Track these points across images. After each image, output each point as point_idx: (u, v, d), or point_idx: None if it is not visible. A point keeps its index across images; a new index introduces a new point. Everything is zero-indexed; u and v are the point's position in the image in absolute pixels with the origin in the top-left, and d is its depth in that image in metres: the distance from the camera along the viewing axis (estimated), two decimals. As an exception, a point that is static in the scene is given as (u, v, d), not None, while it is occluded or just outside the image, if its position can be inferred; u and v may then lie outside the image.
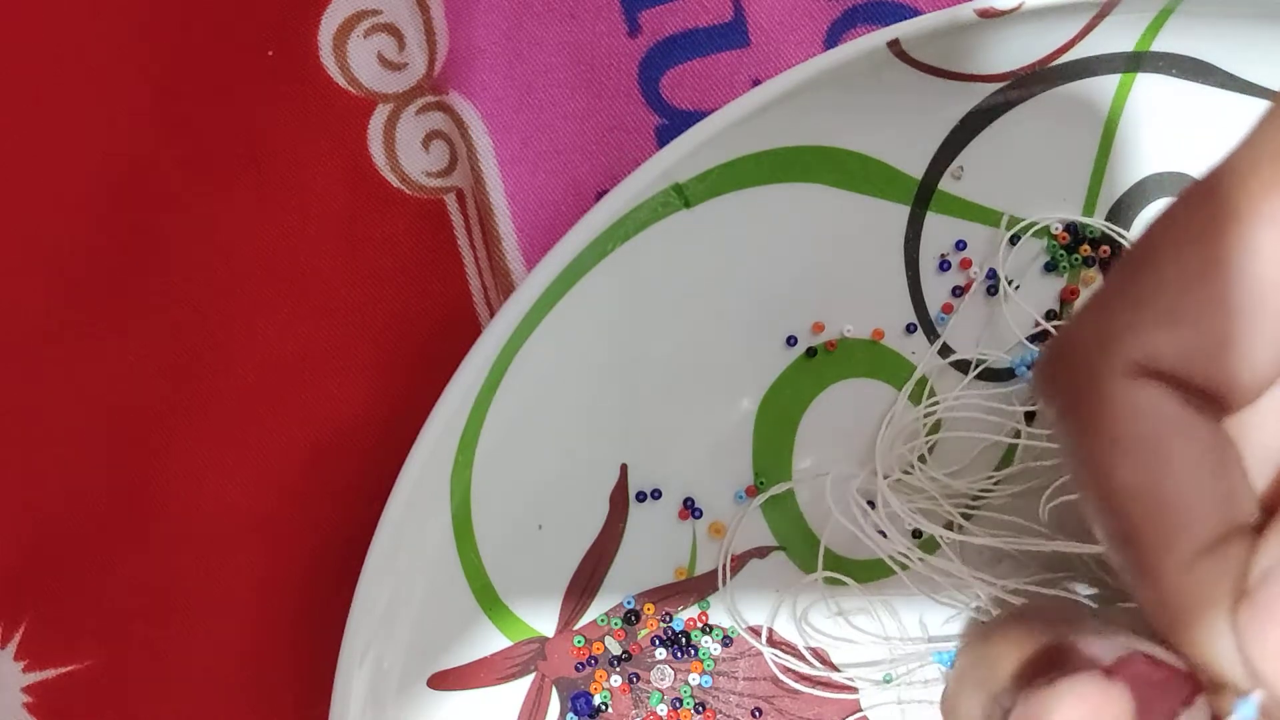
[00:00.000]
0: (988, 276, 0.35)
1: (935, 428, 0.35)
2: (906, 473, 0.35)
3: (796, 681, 0.36)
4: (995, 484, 0.35)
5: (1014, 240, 0.35)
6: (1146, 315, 0.19)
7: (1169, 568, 0.19)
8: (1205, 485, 0.19)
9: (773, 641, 0.36)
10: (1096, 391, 0.19)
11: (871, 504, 0.36)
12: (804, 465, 0.36)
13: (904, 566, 0.35)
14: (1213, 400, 0.19)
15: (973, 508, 0.35)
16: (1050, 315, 0.35)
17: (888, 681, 0.36)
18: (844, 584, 0.36)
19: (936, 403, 0.35)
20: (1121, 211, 0.35)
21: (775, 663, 0.36)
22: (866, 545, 0.36)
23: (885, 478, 0.35)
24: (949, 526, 0.35)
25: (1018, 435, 0.35)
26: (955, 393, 0.35)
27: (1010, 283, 0.35)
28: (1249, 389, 0.19)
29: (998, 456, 0.35)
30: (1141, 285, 0.19)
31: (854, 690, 0.36)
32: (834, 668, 0.36)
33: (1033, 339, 0.35)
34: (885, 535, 0.36)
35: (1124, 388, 0.19)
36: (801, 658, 0.36)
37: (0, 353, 0.36)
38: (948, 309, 0.35)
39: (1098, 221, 0.35)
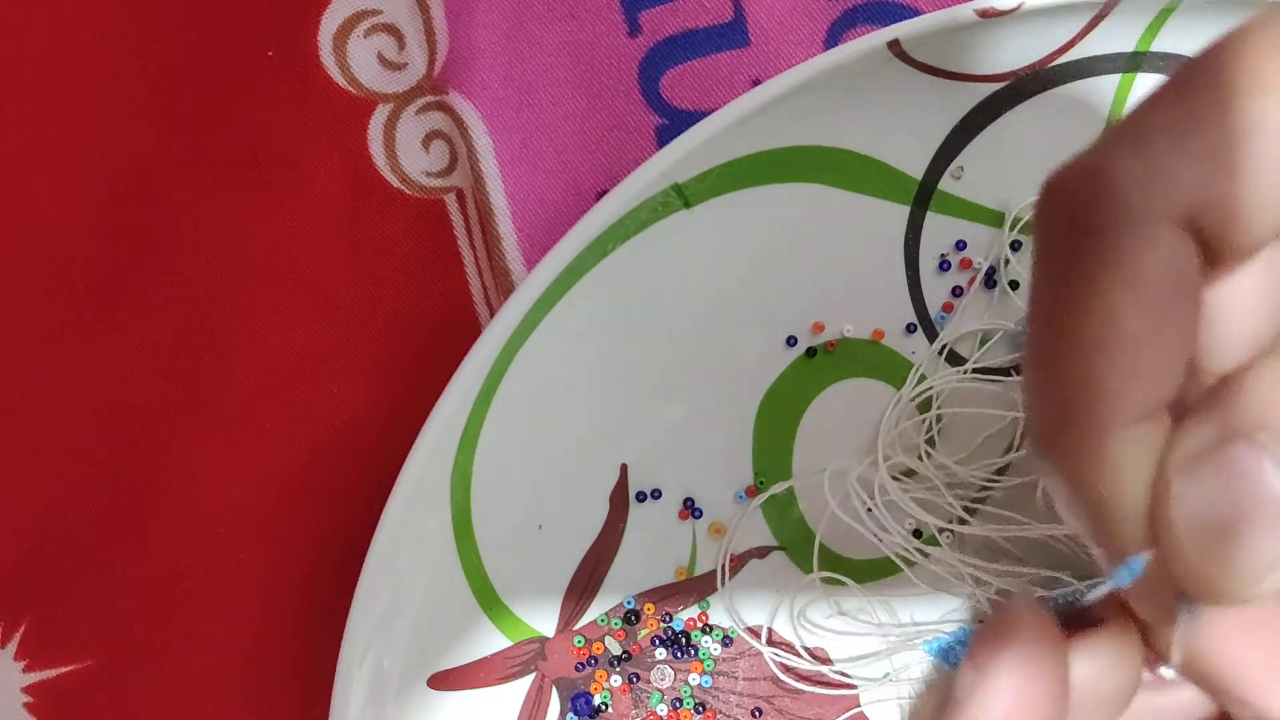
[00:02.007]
0: (988, 275, 0.35)
1: (936, 421, 0.35)
2: (908, 474, 0.35)
3: (796, 680, 0.36)
4: (997, 472, 0.35)
5: (1015, 246, 0.35)
6: (1206, 169, 0.17)
7: (1120, 422, 0.18)
8: (1186, 348, 0.18)
9: (772, 641, 0.36)
10: (1124, 229, 0.18)
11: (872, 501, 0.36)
12: (804, 465, 0.36)
13: (908, 562, 0.35)
14: (1218, 256, 0.18)
15: (974, 503, 0.35)
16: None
17: (886, 678, 0.36)
18: (843, 584, 0.36)
19: (930, 388, 0.35)
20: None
21: (775, 661, 0.36)
22: (865, 544, 0.36)
23: (886, 459, 0.35)
24: (949, 520, 0.35)
25: (1020, 431, 0.35)
26: (956, 375, 0.35)
27: (1012, 285, 0.35)
28: (1249, 248, 0.18)
29: (999, 450, 0.35)
30: (1196, 136, 0.17)
31: (853, 687, 0.36)
32: (832, 665, 0.36)
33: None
34: (886, 530, 0.36)
35: (1161, 233, 0.18)
36: (800, 657, 0.36)
37: (0, 353, 0.36)
38: (948, 308, 0.35)
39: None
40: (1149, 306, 0.18)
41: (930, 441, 0.35)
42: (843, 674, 0.36)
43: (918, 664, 0.36)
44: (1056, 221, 0.19)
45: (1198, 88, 0.18)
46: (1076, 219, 0.18)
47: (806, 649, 0.36)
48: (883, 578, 0.36)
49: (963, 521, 0.35)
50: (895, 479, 0.35)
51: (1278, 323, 0.19)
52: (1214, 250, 0.18)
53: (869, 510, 0.35)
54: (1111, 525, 0.18)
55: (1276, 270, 0.19)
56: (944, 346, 0.35)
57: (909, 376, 0.35)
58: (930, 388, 0.35)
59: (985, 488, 0.35)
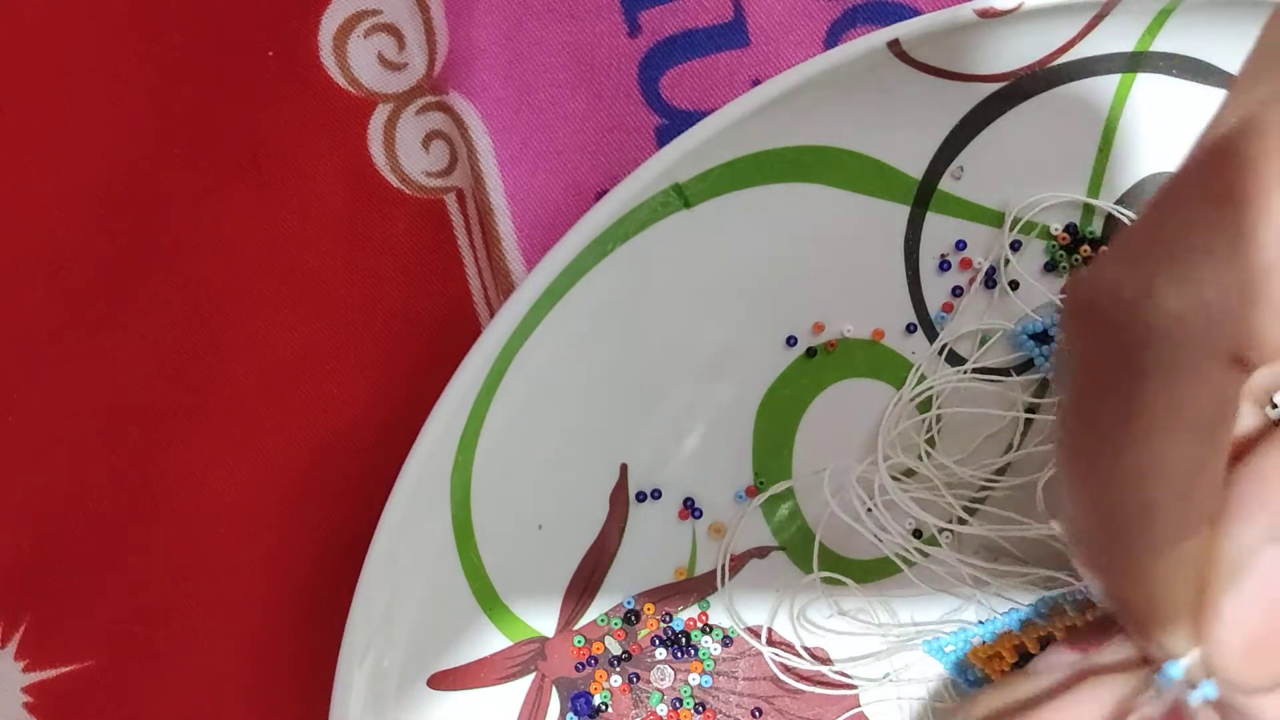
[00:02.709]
0: (988, 274, 0.35)
1: (936, 421, 0.35)
2: (908, 474, 0.35)
3: (796, 680, 0.36)
4: (996, 472, 0.35)
5: (1015, 246, 0.35)
6: (1251, 300, 0.17)
7: (1168, 542, 0.19)
8: (1222, 471, 0.19)
9: (772, 641, 0.36)
10: (1185, 370, 0.18)
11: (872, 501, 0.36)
12: (804, 465, 0.36)
13: (908, 562, 0.35)
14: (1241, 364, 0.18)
15: (973, 503, 0.35)
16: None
17: (886, 678, 0.36)
18: (843, 584, 0.36)
19: (930, 388, 0.35)
20: (1121, 211, 0.35)
21: (775, 661, 0.36)
22: (865, 545, 0.36)
23: (886, 459, 0.35)
24: (949, 520, 0.35)
25: (1022, 426, 0.35)
26: (955, 374, 0.35)
27: (1012, 285, 0.35)
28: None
29: (999, 450, 0.35)
30: (1237, 263, 0.17)
31: (853, 687, 0.36)
32: (832, 665, 0.36)
33: (1031, 337, 0.35)
34: (886, 531, 0.36)
35: (1218, 374, 0.18)
36: (800, 657, 0.36)
37: (1, 353, 0.36)
38: (948, 308, 0.35)
39: (1106, 204, 0.35)
40: (1199, 441, 0.18)
41: (930, 441, 0.35)
42: (843, 674, 0.36)
43: (917, 664, 0.36)
44: (1097, 350, 0.19)
45: (1230, 196, 0.17)
46: (1121, 354, 0.18)
47: (806, 649, 0.36)
48: (883, 578, 0.36)
49: (962, 521, 0.35)
50: (895, 479, 0.35)
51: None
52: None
53: (869, 510, 0.35)
54: (1157, 631, 0.19)
55: None
56: (944, 346, 0.35)
57: (909, 376, 0.35)
58: (930, 387, 0.35)
59: (985, 487, 0.35)
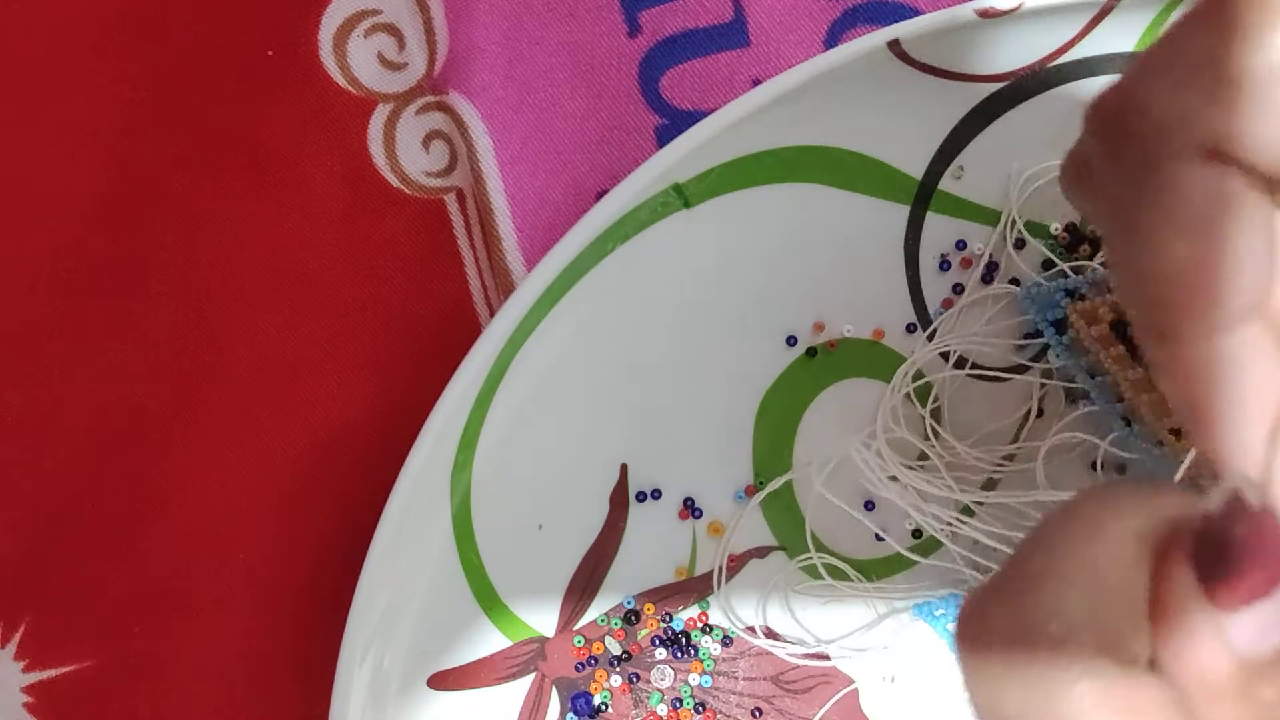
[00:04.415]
0: (987, 269, 0.35)
1: (936, 414, 0.35)
2: (910, 467, 0.35)
3: (799, 659, 0.36)
4: (1004, 457, 0.35)
5: (1021, 244, 0.35)
6: (1227, 99, 0.19)
7: (1195, 335, 0.19)
8: (1250, 261, 0.19)
9: (770, 635, 0.36)
10: (1165, 169, 0.19)
11: (871, 504, 0.36)
12: (804, 464, 0.36)
13: (922, 549, 0.35)
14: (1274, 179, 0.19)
15: (975, 503, 0.35)
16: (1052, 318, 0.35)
17: (883, 649, 0.36)
18: (839, 572, 0.36)
19: (926, 378, 0.35)
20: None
21: (773, 651, 0.36)
22: (864, 544, 0.36)
23: (887, 431, 0.35)
24: (952, 508, 0.35)
25: (1021, 422, 0.35)
26: (959, 346, 0.35)
27: (1013, 283, 0.35)
28: None
29: (1000, 446, 0.36)
30: (1219, 66, 0.19)
31: (851, 682, 0.36)
32: (828, 650, 0.36)
33: (1029, 336, 0.35)
34: (885, 531, 0.36)
35: (1193, 168, 0.19)
36: (789, 643, 0.36)
37: (1, 352, 0.36)
38: (947, 305, 0.35)
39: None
40: (1193, 238, 0.19)
41: (934, 431, 0.35)
42: (835, 647, 0.36)
43: (909, 629, 0.35)
44: (1102, 148, 0.21)
45: (1216, 16, 0.19)
46: (1115, 151, 0.20)
47: (798, 622, 0.36)
48: (882, 578, 0.36)
49: (967, 511, 0.35)
50: (904, 465, 0.35)
51: None
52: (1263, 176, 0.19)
53: (892, 479, 0.35)
54: (1214, 440, 0.20)
55: None
56: (933, 330, 0.35)
57: (916, 347, 0.35)
58: (925, 375, 0.35)
59: (988, 482, 0.35)
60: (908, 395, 0.35)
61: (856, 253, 0.35)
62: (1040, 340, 0.35)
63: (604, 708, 0.36)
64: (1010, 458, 0.35)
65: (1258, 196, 0.19)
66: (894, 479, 0.34)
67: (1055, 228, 0.35)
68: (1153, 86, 0.20)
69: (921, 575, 0.36)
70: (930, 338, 0.35)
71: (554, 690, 0.36)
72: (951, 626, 0.35)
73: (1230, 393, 0.20)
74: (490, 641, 0.35)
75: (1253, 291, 0.19)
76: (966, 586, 0.35)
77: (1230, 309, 0.19)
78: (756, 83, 0.35)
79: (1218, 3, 0.19)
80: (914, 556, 0.36)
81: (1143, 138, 0.19)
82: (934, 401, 0.35)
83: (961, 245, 0.35)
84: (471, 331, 0.36)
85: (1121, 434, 0.34)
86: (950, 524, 0.34)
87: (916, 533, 0.36)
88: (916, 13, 0.35)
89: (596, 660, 0.36)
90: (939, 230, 0.35)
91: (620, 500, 0.35)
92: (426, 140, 0.36)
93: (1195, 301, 0.19)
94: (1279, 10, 0.18)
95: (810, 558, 0.35)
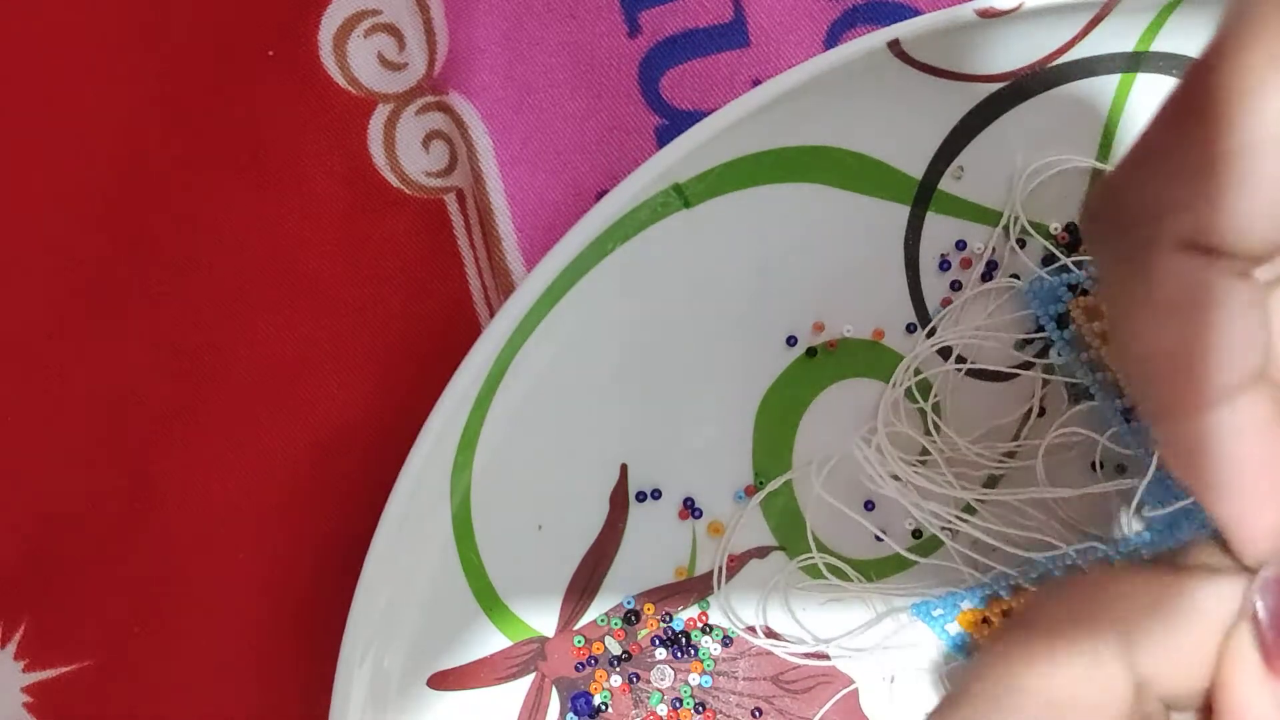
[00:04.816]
0: (988, 266, 0.35)
1: (937, 410, 0.35)
2: (911, 464, 0.35)
3: (800, 659, 0.36)
4: (1005, 454, 0.35)
5: (1022, 243, 0.35)
6: (1198, 191, 0.19)
7: (1186, 413, 0.20)
8: (1235, 341, 0.20)
9: (770, 635, 0.36)
10: (1144, 262, 0.20)
11: (871, 504, 0.36)
12: (804, 464, 0.36)
13: (923, 548, 0.35)
14: (1251, 260, 0.20)
15: (979, 500, 0.35)
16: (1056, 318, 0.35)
17: (880, 648, 0.36)
18: (840, 571, 0.36)
19: (943, 343, 0.35)
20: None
21: (774, 651, 0.36)
22: (864, 544, 0.36)
23: (887, 426, 0.35)
24: (953, 505, 0.35)
25: (1023, 418, 0.35)
26: (966, 330, 0.35)
27: (1015, 278, 0.35)
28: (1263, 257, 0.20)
29: (1001, 445, 0.36)
30: (1188, 159, 0.19)
31: (851, 682, 0.36)
32: (828, 649, 0.36)
33: (1029, 337, 0.35)
34: (885, 532, 0.36)
35: (1170, 261, 0.20)
36: (788, 642, 0.36)
37: (1, 352, 0.36)
38: (946, 303, 0.35)
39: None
40: (1177, 324, 0.20)
41: (935, 426, 0.35)
42: (835, 646, 0.36)
43: (909, 629, 0.35)
44: (1092, 242, 0.22)
45: (1187, 109, 0.20)
46: (1103, 242, 0.21)
47: (798, 622, 0.36)
48: (881, 577, 0.36)
49: (968, 509, 0.35)
50: (905, 462, 0.35)
51: None
52: (1253, 259, 0.20)
53: (895, 478, 0.35)
54: (1222, 512, 0.21)
55: None
56: (932, 328, 0.35)
57: (905, 361, 0.35)
58: (925, 372, 0.35)
59: (989, 479, 0.35)
60: (909, 390, 0.35)
61: (856, 253, 0.35)
62: (1042, 335, 0.35)
63: (604, 708, 0.36)
64: (1011, 454, 0.35)
65: (1237, 280, 0.20)
66: (895, 477, 0.34)
67: (1055, 227, 0.35)
68: (1130, 180, 0.20)
69: (921, 575, 0.36)
70: (932, 333, 0.35)
71: (554, 690, 0.36)
72: (950, 627, 0.35)
73: (1228, 464, 0.20)
74: (490, 641, 0.35)
75: (1241, 368, 0.20)
76: (965, 586, 0.35)
77: (1219, 387, 0.20)
78: (756, 83, 0.35)
79: (1184, 98, 0.20)
80: (913, 557, 0.36)
81: (1124, 230, 0.20)
82: (935, 396, 0.35)
83: (961, 245, 0.35)
84: (471, 331, 0.36)
85: (1122, 430, 0.34)
86: (950, 522, 0.34)
87: (916, 533, 0.36)
88: (916, 13, 0.35)
89: (596, 660, 0.36)
90: (939, 230, 0.35)
91: (620, 500, 0.35)
92: (426, 140, 0.36)
93: (1183, 383, 0.20)
94: (1243, 101, 0.19)
95: (811, 557, 0.35)
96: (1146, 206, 0.20)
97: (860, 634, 0.36)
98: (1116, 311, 0.21)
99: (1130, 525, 0.34)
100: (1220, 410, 0.20)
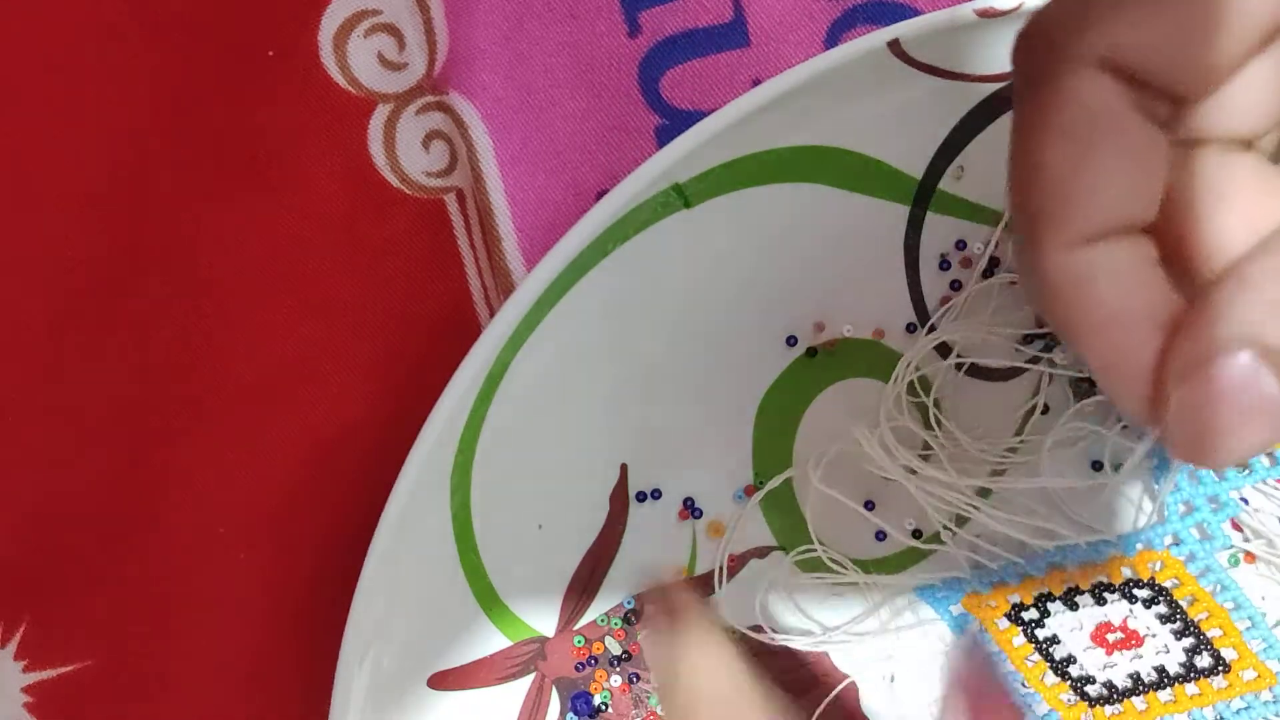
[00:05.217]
0: (989, 264, 0.35)
1: (939, 405, 0.35)
2: (919, 458, 0.35)
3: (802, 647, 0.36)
4: (1007, 449, 0.35)
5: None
6: (1119, 8, 0.19)
7: (1054, 244, 0.20)
8: (1115, 181, 0.20)
9: (769, 634, 0.36)
10: (1051, 75, 0.20)
11: (870, 504, 0.36)
12: (804, 464, 0.36)
13: (930, 541, 0.35)
14: (1171, 98, 0.20)
15: (980, 494, 0.35)
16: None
17: (881, 631, 0.36)
18: (838, 567, 0.36)
19: (941, 340, 0.35)
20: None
21: (774, 649, 0.36)
22: (864, 544, 0.36)
23: (890, 421, 0.35)
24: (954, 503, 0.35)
25: (1025, 417, 0.36)
26: (973, 324, 0.35)
27: (1012, 281, 0.35)
28: (1206, 84, 0.20)
29: (1001, 447, 0.36)
30: None
31: (850, 680, 0.36)
32: (827, 634, 0.36)
33: (1029, 338, 0.35)
34: (886, 530, 0.36)
35: (1077, 78, 0.20)
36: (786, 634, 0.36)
37: (1, 352, 0.36)
38: (946, 301, 0.35)
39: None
40: (1064, 143, 0.20)
41: (936, 421, 0.35)
42: (839, 637, 0.36)
43: (909, 629, 0.35)
44: (1014, 64, 0.21)
45: None
46: (1020, 65, 0.21)
47: (798, 619, 0.36)
48: (879, 575, 0.36)
49: (973, 505, 0.35)
50: (909, 468, 0.35)
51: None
52: (1167, 89, 0.20)
53: (909, 468, 0.35)
54: (1080, 349, 0.20)
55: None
56: (931, 326, 0.35)
57: (907, 355, 0.35)
58: (926, 367, 0.35)
59: (989, 478, 0.35)
60: (910, 385, 0.35)
61: (856, 253, 0.35)
62: (1044, 331, 0.35)
63: (604, 708, 0.36)
64: (1013, 450, 0.35)
65: (1144, 120, 0.20)
66: (908, 469, 0.34)
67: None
68: (1056, 3, 0.20)
69: (921, 573, 0.36)
70: (933, 329, 0.35)
71: (554, 690, 0.36)
72: (954, 608, 0.35)
73: (1083, 309, 0.20)
74: (490, 641, 0.35)
75: (1119, 211, 0.20)
76: (966, 580, 0.35)
77: (1091, 223, 0.20)
78: (756, 83, 0.35)
79: None
80: (920, 544, 0.36)
81: (1043, 51, 0.20)
82: (936, 393, 0.35)
83: (961, 245, 0.35)
84: (471, 332, 0.36)
85: (1126, 425, 0.34)
86: (961, 509, 0.35)
87: (916, 532, 0.36)
88: (916, 13, 0.35)
89: (596, 660, 0.36)
90: (939, 230, 0.35)
91: (620, 500, 0.35)
92: (426, 140, 0.36)
93: (1058, 210, 0.20)
94: None
95: (810, 549, 0.35)
96: (1068, 24, 0.20)
97: (859, 622, 0.36)
98: (1016, 132, 0.21)
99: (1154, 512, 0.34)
100: (1086, 251, 0.20)
